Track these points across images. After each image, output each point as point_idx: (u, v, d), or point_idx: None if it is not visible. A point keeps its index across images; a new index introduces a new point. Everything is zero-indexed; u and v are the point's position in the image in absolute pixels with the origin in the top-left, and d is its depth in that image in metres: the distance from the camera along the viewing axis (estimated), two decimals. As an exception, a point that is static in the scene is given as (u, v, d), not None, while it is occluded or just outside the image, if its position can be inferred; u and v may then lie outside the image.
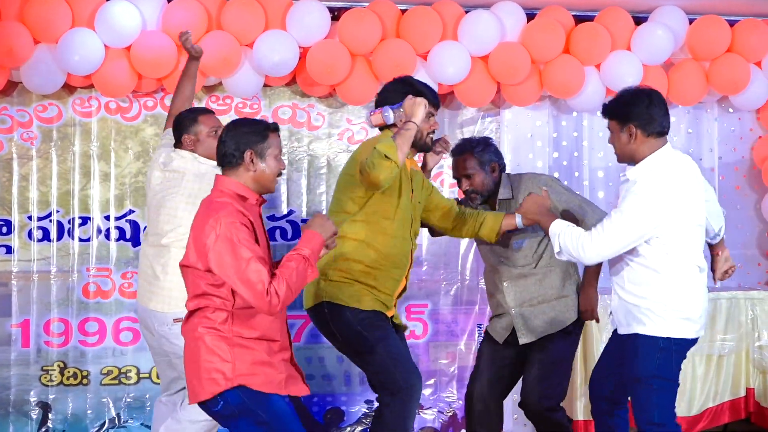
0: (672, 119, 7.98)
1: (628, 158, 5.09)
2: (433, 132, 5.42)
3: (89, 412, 7.28)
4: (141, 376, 7.33)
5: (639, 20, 7.77)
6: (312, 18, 7.11)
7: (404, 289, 5.59)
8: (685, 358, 5.10)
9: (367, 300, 5.36)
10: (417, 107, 5.22)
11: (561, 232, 5.05)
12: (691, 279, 5.03)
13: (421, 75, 7.26)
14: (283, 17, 7.12)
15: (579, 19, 7.67)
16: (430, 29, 7.30)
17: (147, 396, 7.33)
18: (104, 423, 7.29)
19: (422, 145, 5.43)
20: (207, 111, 5.98)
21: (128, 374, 7.33)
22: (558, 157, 7.96)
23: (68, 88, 7.20)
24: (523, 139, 7.77)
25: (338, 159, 7.49)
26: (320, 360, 7.52)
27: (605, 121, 7.71)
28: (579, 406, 7.17)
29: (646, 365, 4.99)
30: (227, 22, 7.02)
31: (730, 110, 8.30)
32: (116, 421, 7.30)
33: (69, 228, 7.28)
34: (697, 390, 7.37)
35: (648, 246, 4.96)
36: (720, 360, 7.43)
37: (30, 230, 7.24)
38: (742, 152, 8.36)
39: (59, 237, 7.27)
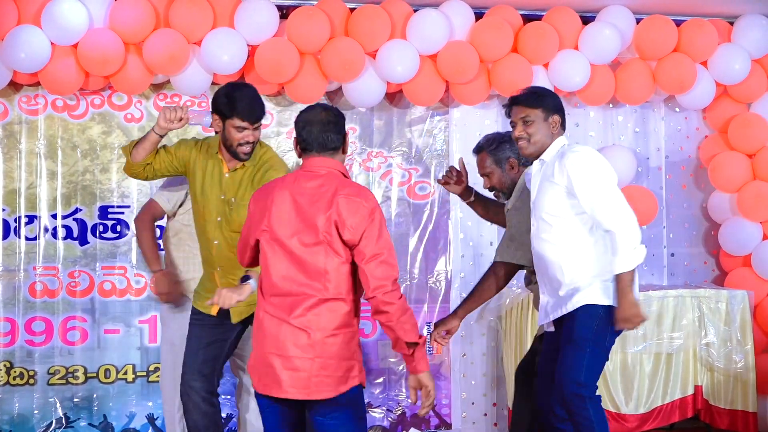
0: (619, 118, 8.23)
1: (542, 148, 5.23)
2: (245, 143, 5.40)
3: (36, 412, 7.22)
4: (88, 375, 7.28)
5: (586, 20, 7.82)
6: (260, 16, 7.10)
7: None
8: (619, 334, 5.17)
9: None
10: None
11: (618, 263, 4.97)
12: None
13: (369, 73, 7.31)
14: (232, 15, 7.10)
15: (527, 19, 7.71)
16: (379, 28, 7.30)
17: (94, 396, 7.29)
18: (51, 423, 7.23)
19: (233, 153, 5.47)
20: None
21: (76, 374, 7.27)
22: (507, 156, 7.99)
23: (14, 86, 7.14)
24: (472, 137, 7.74)
25: (286, 158, 7.47)
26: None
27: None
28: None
29: (583, 330, 5.04)
30: (175, 19, 6.98)
31: (677, 109, 8.36)
32: (63, 422, 7.25)
33: (15, 227, 7.23)
34: (645, 388, 7.40)
35: (577, 224, 5.08)
36: (668, 358, 7.46)
37: (-25, 229, 7.20)
38: (688, 151, 8.43)
39: (5, 236, 7.21)
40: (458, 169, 6.08)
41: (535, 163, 5.27)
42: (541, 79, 7.55)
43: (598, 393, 5.14)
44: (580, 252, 5.10)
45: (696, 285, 8.06)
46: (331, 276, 4.37)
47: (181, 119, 5.54)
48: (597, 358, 5.07)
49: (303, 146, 4.51)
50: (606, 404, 7.22)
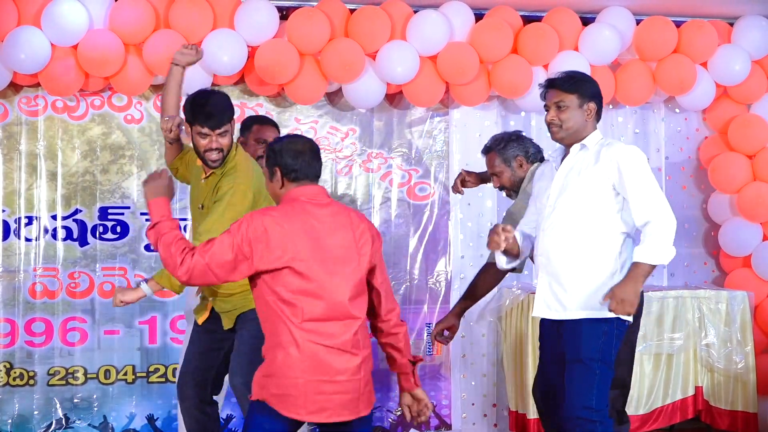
0: (619, 119, 8.23)
1: (574, 134, 5.07)
2: (210, 150, 5.34)
3: (36, 413, 7.23)
4: (88, 376, 7.29)
5: (586, 21, 7.81)
6: (260, 17, 7.10)
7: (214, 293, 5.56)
8: (620, 345, 5.06)
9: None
10: None
11: (646, 251, 4.86)
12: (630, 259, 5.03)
13: (369, 74, 7.32)
14: (231, 16, 7.11)
15: (527, 20, 7.71)
16: (379, 29, 7.31)
17: (94, 396, 7.29)
18: (51, 424, 7.24)
19: (203, 160, 5.43)
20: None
21: (75, 375, 7.28)
22: (506, 157, 7.99)
23: (14, 87, 7.16)
24: (472, 138, 7.78)
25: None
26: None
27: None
28: (531, 404, 7.17)
29: (589, 348, 4.92)
30: (175, 20, 6.99)
31: (677, 110, 8.36)
32: (63, 422, 7.25)
33: (15, 228, 7.23)
34: (645, 389, 7.40)
35: (610, 223, 4.97)
36: (669, 359, 7.45)
37: (-25, 230, 7.20)
38: (688, 152, 8.43)
39: (5, 237, 7.22)
40: (465, 175, 6.09)
41: (575, 146, 5.09)
42: (540, 80, 7.48)
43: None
44: (592, 249, 4.97)
45: (696, 286, 8.06)
46: (365, 297, 4.47)
47: (171, 130, 5.62)
48: (605, 377, 4.95)
49: (295, 176, 4.45)
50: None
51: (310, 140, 4.57)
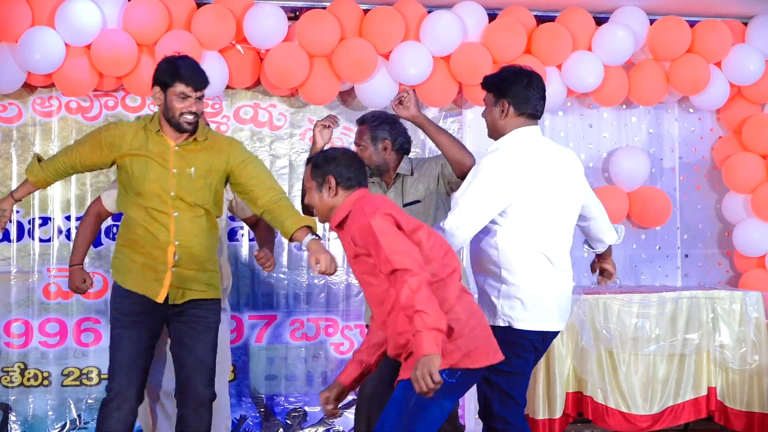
0: (633, 119, 8.20)
1: (497, 133, 5.00)
2: (189, 113, 5.17)
3: (50, 413, 7.24)
4: (102, 377, 7.27)
5: (600, 21, 7.81)
6: (268, 22, 7.13)
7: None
8: (530, 348, 4.88)
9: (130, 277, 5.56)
10: None
11: None
12: (532, 268, 4.83)
13: (382, 74, 7.32)
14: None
15: (540, 20, 7.71)
16: (393, 29, 7.32)
17: (108, 397, 7.29)
18: (65, 424, 7.25)
19: (175, 125, 5.21)
20: None
21: (90, 375, 7.28)
22: (520, 157, 7.97)
23: (28, 88, 7.17)
24: (485, 138, 7.59)
25: (300, 159, 7.48)
26: (283, 360, 7.53)
27: (566, 121, 7.79)
28: (539, 404, 7.15)
29: None
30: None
31: (691, 110, 8.35)
32: (78, 423, 7.26)
33: (29, 228, 7.24)
34: (658, 388, 7.36)
35: (497, 224, 4.82)
36: (681, 359, 7.41)
37: (-11, 230, 7.20)
38: (702, 152, 8.42)
39: (19, 237, 7.23)
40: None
41: (490, 147, 5.05)
42: (554, 80, 7.54)
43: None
44: (479, 254, 4.91)
45: (710, 286, 8.03)
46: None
47: None
48: (506, 384, 4.81)
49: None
50: (618, 404, 7.20)
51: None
